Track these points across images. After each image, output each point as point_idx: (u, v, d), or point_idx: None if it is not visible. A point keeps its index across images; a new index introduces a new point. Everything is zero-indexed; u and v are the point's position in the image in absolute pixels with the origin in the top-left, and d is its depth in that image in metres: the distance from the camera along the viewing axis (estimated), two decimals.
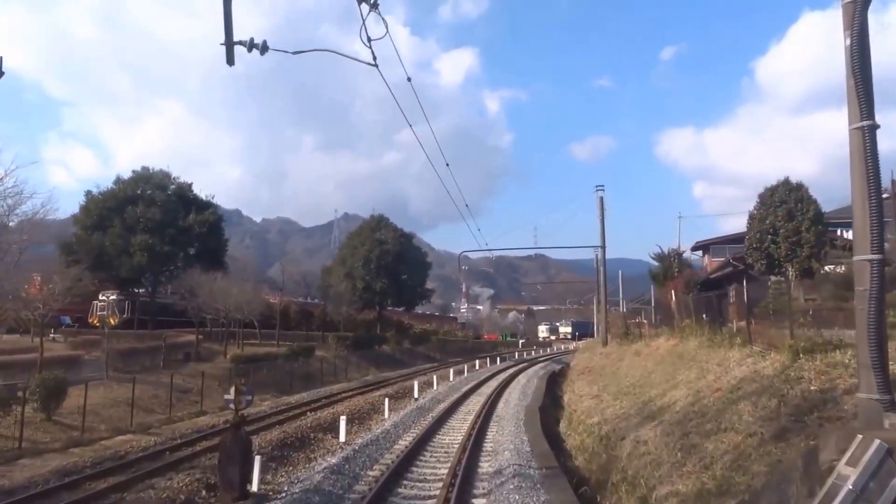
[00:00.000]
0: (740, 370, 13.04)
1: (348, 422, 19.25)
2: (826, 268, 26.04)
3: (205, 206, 47.21)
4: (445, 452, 15.44)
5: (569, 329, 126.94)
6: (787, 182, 27.65)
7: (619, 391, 18.64)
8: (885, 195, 47.60)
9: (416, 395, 26.41)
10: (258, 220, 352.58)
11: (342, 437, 16.45)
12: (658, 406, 14.08)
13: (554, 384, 37.23)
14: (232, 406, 10.83)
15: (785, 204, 27.04)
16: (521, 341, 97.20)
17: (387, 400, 21.46)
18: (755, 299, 25.78)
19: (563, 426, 20.48)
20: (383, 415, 21.31)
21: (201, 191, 48.55)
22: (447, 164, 15.09)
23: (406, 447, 15.45)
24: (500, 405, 24.64)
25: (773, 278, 28.78)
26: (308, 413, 20.72)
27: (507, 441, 16.37)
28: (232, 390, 10.85)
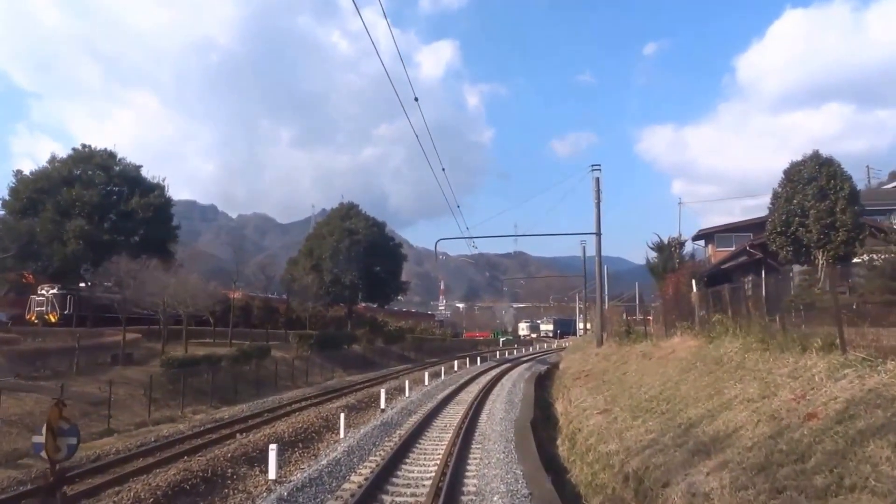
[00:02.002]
0: (839, 387, 8.96)
1: (290, 446, 14.92)
2: (864, 256, 22.36)
3: (151, 188, 42.23)
4: (413, 495, 11.22)
5: (550, 327, 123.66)
6: (816, 155, 23.84)
7: (637, 406, 14.54)
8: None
9: (382, 404, 22.09)
10: (234, 216, 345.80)
11: (272, 474, 12.08)
12: (710, 435, 9.95)
13: (542, 389, 33.23)
14: (43, 454, 6.41)
15: (815, 181, 23.25)
16: (502, 339, 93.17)
17: (342, 415, 17.06)
18: (777, 293, 22.04)
19: (562, 448, 16.36)
20: (338, 433, 16.97)
21: (148, 172, 43.60)
22: (416, 98, 10.83)
23: (358, 489, 11.19)
24: (484, 418, 20.46)
25: (795, 268, 25.10)
26: (238, 434, 16.23)
27: (496, 476, 12.19)
28: (43, 429, 6.43)
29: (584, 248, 63.07)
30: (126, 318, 36.00)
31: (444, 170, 16.97)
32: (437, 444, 15.81)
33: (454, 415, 21.23)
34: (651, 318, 26.27)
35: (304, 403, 22.66)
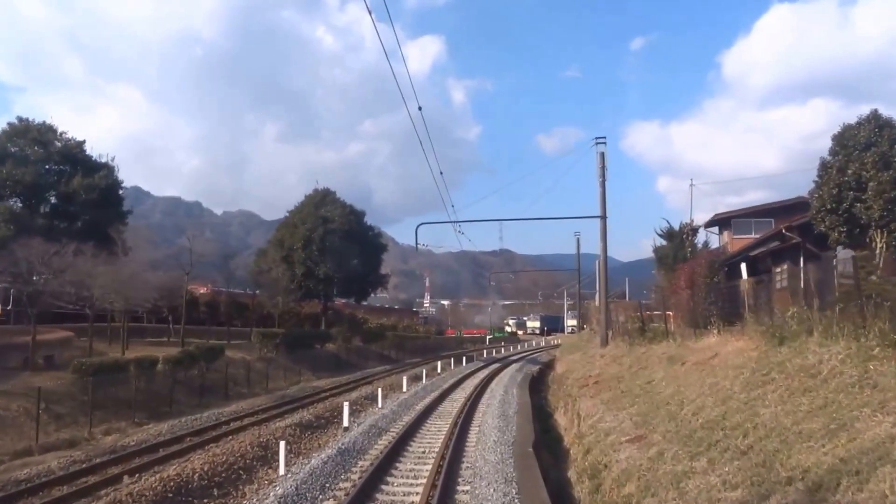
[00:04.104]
0: None
1: (198, 496, 10.49)
2: None
3: (97, 167, 37.35)
4: None
5: (537, 324, 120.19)
6: (875, 116, 19.84)
7: (690, 436, 10.30)
8: None
9: (345, 422, 17.69)
10: (219, 212, 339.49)
11: None
12: None
13: (537, 395, 29.06)
14: None
15: (875, 147, 19.28)
16: (489, 337, 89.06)
17: (283, 445, 12.60)
18: (818, 283, 18.08)
19: (580, 487, 12.06)
20: (276, 469, 12.55)
21: (92, 149, 38.65)
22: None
23: None
24: (473, 439, 16.17)
25: (840, 254, 21.12)
26: (127, 476, 11.62)
27: None
28: None
29: (577, 239, 59.32)
30: (74, 314, 31.45)
31: (420, 109, 12.70)
32: (410, 488, 11.48)
33: (436, 434, 16.93)
34: (672, 313, 22.18)
35: (246, 420, 18.13)
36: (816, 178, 20.72)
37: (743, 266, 16.96)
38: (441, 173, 19.21)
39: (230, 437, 15.31)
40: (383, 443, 15.59)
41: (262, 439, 14.71)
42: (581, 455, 13.52)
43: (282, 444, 12.53)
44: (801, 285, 19.05)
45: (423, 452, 14.66)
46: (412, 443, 15.81)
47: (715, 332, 16.84)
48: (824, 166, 20.30)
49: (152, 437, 15.42)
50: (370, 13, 9.97)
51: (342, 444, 14.69)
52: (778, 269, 25.10)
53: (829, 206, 19.84)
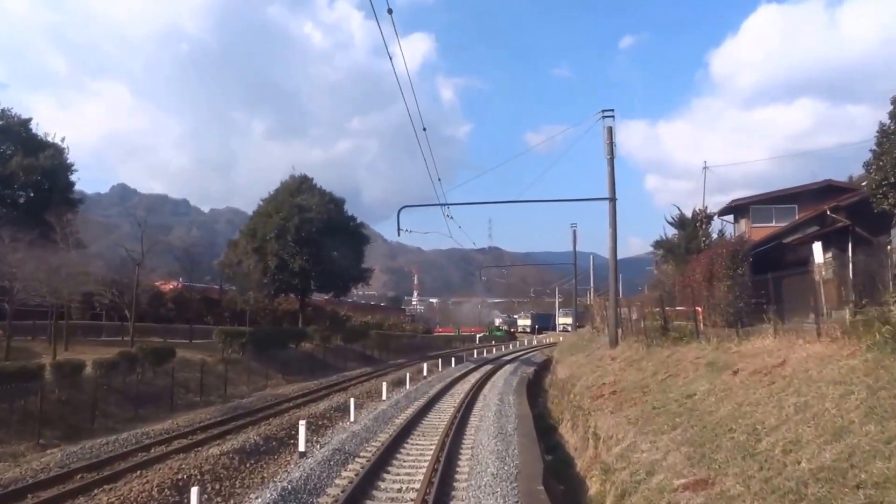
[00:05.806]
0: None
1: None
2: None
3: (41, 147, 33.35)
4: None
5: (528, 321, 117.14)
6: None
7: (794, 491, 6.79)
8: None
9: (302, 444, 14.00)
10: (206, 210, 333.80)
11: None
12: None
13: (535, 402, 25.69)
14: None
15: None
16: (479, 336, 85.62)
17: (195, 492, 8.91)
18: (872, 273, 14.80)
19: None
20: None
21: (38, 126, 34.65)
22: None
23: None
24: (465, 469, 12.63)
25: None
26: None
27: None
28: None
29: (574, 231, 56.18)
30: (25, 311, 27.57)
31: (424, 129, 9.37)
32: None
33: (417, 460, 13.36)
34: (701, 309, 18.74)
35: (174, 444, 14.34)
36: (874, 148, 17.29)
37: (816, 246, 13.48)
38: (424, 129, 15.55)
39: (137, 472, 11.55)
40: (348, 476, 11.99)
41: (180, 476, 10.99)
42: (612, 500, 9.96)
43: (194, 490, 8.83)
44: (850, 275, 15.80)
45: (399, 491, 11.09)
46: (386, 475, 12.22)
47: (770, 332, 13.37)
48: (884, 133, 16.84)
49: (31, 473, 11.63)
50: (371, 4, 10.03)
51: (290, 481, 11.04)
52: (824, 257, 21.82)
53: (892, 180, 16.40)
